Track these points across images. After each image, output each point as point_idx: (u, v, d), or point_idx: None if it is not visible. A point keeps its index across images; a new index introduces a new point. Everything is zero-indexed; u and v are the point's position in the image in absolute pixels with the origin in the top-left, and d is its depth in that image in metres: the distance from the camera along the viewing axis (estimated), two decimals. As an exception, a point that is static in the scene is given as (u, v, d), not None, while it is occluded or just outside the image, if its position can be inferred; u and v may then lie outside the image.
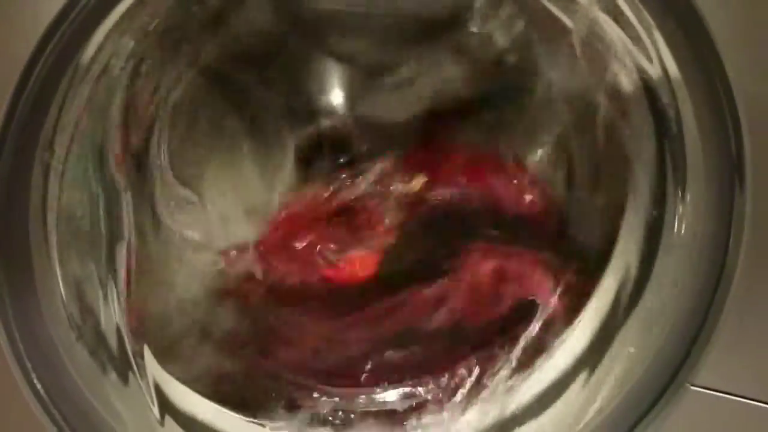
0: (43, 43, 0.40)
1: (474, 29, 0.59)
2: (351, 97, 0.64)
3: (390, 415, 0.63)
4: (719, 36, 0.44)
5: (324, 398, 0.63)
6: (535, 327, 0.62)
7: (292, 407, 0.63)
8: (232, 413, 0.60)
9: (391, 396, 0.64)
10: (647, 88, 0.53)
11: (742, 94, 0.45)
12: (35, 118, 0.43)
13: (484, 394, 0.61)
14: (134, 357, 0.56)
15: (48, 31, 0.40)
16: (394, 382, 0.64)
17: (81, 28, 0.41)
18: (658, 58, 0.50)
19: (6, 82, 0.39)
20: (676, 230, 0.54)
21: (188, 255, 0.63)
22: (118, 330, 0.56)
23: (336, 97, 0.64)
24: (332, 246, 0.64)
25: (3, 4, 0.38)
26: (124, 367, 0.55)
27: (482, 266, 0.64)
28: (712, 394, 0.50)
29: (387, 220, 0.64)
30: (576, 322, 0.60)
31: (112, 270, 0.56)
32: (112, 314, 0.56)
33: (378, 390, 0.64)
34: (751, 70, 0.44)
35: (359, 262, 0.65)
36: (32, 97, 0.41)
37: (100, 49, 0.46)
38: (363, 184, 0.63)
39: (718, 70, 0.45)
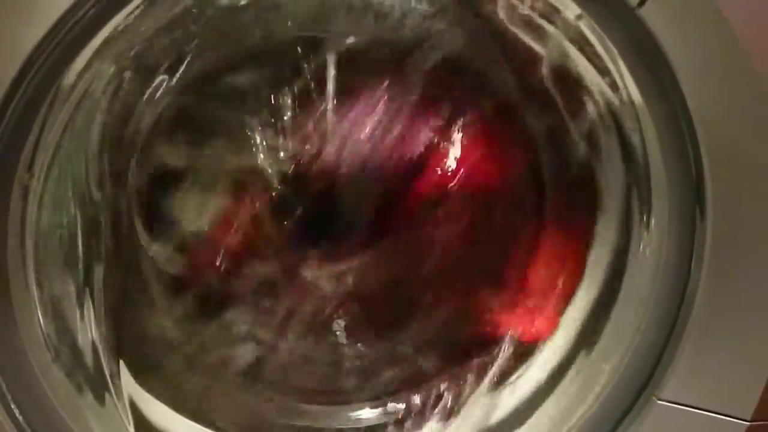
0: (26, 68, 0.40)
1: (447, 54, 0.60)
2: (327, 118, 0.65)
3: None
4: (678, 65, 0.46)
5: (301, 416, 0.64)
6: (507, 349, 0.64)
7: (270, 424, 0.63)
8: (207, 430, 0.61)
9: (367, 413, 0.65)
10: (614, 114, 0.55)
11: (702, 122, 0.47)
12: (16, 141, 0.43)
13: (463, 409, 0.63)
14: (110, 377, 0.56)
15: (31, 55, 0.40)
16: (371, 399, 0.65)
17: (63, 54, 0.42)
18: (623, 85, 0.52)
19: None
20: (641, 254, 0.56)
21: (165, 275, 0.63)
22: (95, 349, 0.56)
23: (312, 116, 0.64)
24: None
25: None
26: (100, 387, 0.55)
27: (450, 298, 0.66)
28: (677, 408, 0.52)
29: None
30: (550, 340, 0.62)
31: (89, 289, 0.57)
32: (89, 334, 0.56)
33: (355, 407, 0.65)
34: (709, 98, 0.47)
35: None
36: (14, 120, 0.42)
37: (81, 73, 0.46)
38: None
39: (678, 97, 0.47)
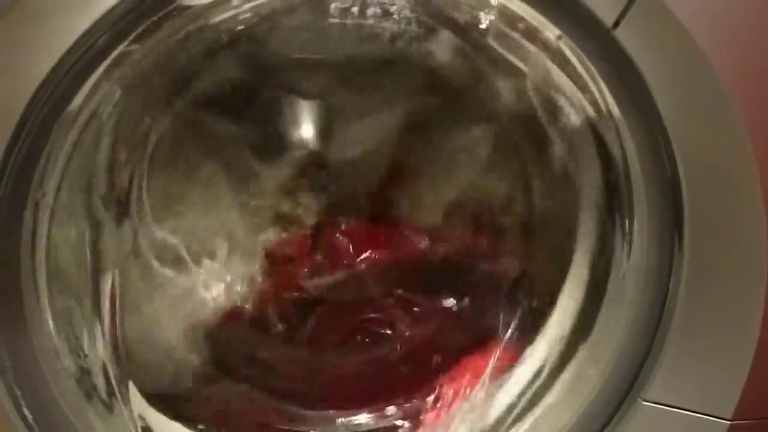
0: (39, 93, 0.43)
1: (435, 72, 0.63)
2: (319, 131, 0.67)
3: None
4: (652, 82, 0.49)
5: (303, 422, 0.66)
6: (500, 353, 0.66)
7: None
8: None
9: (364, 419, 0.67)
10: (593, 127, 0.58)
11: (677, 136, 0.49)
12: (30, 161, 0.46)
13: (458, 413, 0.64)
14: (118, 387, 0.58)
15: (43, 82, 0.43)
16: (367, 405, 0.67)
17: (73, 80, 0.45)
18: (602, 100, 0.55)
19: (4, 128, 0.42)
20: (624, 263, 0.58)
21: (170, 289, 0.65)
22: (103, 360, 0.57)
23: (306, 132, 0.68)
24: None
25: (3, 59, 0.42)
26: (109, 396, 0.57)
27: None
28: (662, 408, 0.54)
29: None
30: (536, 341, 0.64)
31: (97, 303, 0.58)
32: (98, 345, 0.57)
33: (353, 413, 0.67)
34: (682, 114, 0.49)
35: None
36: (28, 142, 0.44)
37: (89, 96, 0.49)
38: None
39: (654, 112, 0.50)
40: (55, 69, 0.42)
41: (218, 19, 0.54)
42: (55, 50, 0.42)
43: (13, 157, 0.44)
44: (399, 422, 0.66)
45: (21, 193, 0.47)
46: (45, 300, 0.52)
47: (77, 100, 0.48)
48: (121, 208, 0.62)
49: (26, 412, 0.48)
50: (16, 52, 0.41)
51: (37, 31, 0.41)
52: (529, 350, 0.64)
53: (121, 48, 0.47)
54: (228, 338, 0.67)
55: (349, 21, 0.58)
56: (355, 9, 0.57)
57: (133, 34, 0.47)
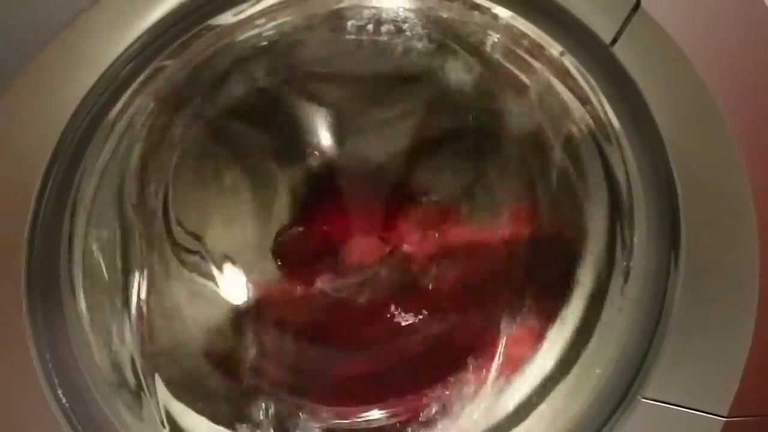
0: (81, 107, 0.47)
1: (445, 85, 0.66)
2: (336, 140, 0.70)
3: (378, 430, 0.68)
4: (649, 96, 0.52)
5: (314, 418, 0.68)
6: (504, 354, 0.68)
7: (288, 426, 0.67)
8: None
9: (376, 414, 0.69)
10: (595, 137, 0.60)
11: (673, 148, 0.52)
12: (71, 169, 0.49)
13: (464, 411, 0.67)
14: (146, 379, 0.61)
15: (85, 96, 0.46)
16: (378, 401, 0.69)
17: (112, 93, 0.49)
18: (603, 113, 0.57)
19: (50, 138, 0.46)
20: (624, 269, 0.60)
21: (193, 290, 0.69)
22: (132, 357, 0.61)
23: (323, 140, 0.70)
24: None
25: (48, 76, 0.45)
26: (137, 387, 0.60)
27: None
28: (660, 405, 0.56)
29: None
30: (540, 345, 0.67)
31: (126, 300, 0.62)
32: (126, 340, 0.61)
33: (364, 409, 0.69)
34: (678, 127, 0.52)
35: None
36: (70, 152, 0.48)
37: (125, 108, 0.52)
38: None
39: (652, 125, 0.52)
40: (96, 84, 0.46)
41: (244, 36, 0.57)
42: (96, 67, 0.46)
43: (57, 165, 0.48)
44: (409, 418, 0.69)
45: (62, 198, 0.50)
46: (80, 296, 0.55)
47: (114, 112, 0.51)
48: (149, 212, 0.65)
49: (62, 397, 0.51)
50: (63, 70, 0.45)
51: (82, 50, 0.44)
52: (532, 353, 0.67)
53: (155, 63, 0.51)
54: (246, 336, 0.70)
55: (364, 37, 0.61)
56: (370, 26, 0.60)
57: (167, 51, 0.50)
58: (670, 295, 0.56)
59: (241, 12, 0.54)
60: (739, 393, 0.54)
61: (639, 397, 0.56)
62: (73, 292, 0.54)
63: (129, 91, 0.51)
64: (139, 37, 0.46)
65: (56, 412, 0.51)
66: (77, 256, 0.55)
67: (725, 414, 0.54)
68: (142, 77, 0.51)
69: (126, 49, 0.46)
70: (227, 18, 0.53)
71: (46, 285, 0.51)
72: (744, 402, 0.54)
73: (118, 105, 0.51)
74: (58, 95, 0.45)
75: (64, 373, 0.52)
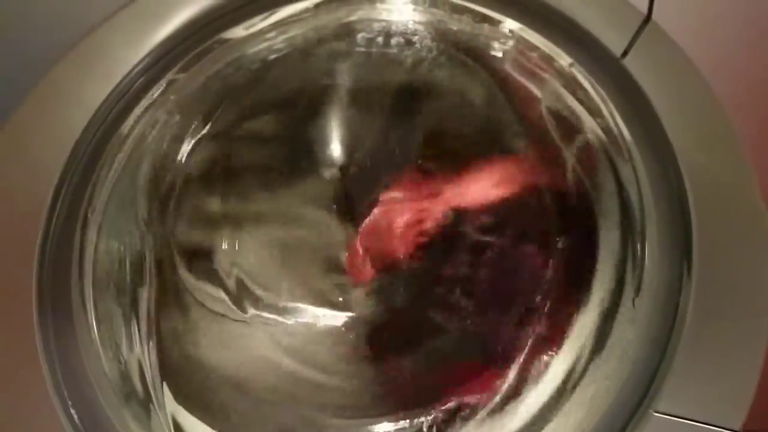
0: (94, 119, 0.47)
1: (456, 96, 0.66)
2: (346, 150, 0.70)
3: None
4: (659, 108, 0.52)
5: (326, 429, 0.68)
6: (516, 367, 0.68)
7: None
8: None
9: (386, 427, 0.69)
10: (606, 149, 0.60)
11: (684, 158, 0.52)
12: (83, 180, 0.50)
13: (475, 424, 0.67)
14: (155, 395, 0.61)
15: (98, 109, 0.47)
16: (387, 414, 0.69)
17: (124, 107, 0.49)
18: (614, 124, 0.57)
19: (63, 151, 0.47)
20: (636, 281, 0.60)
21: (202, 301, 0.68)
22: (140, 367, 0.61)
23: (333, 150, 0.71)
24: None
25: (62, 89, 0.46)
26: (145, 399, 0.60)
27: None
28: (673, 420, 0.55)
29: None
30: (556, 356, 0.66)
31: (136, 312, 0.62)
32: (135, 351, 0.61)
33: (374, 421, 0.69)
34: (688, 138, 0.52)
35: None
36: (83, 164, 0.48)
37: (137, 121, 0.53)
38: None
39: (662, 136, 0.53)
40: (109, 97, 0.47)
41: (254, 49, 0.58)
42: (109, 81, 0.46)
43: (69, 177, 0.48)
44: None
45: (74, 210, 0.51)
46: (90, 308, 0.55)
47: (127, 125, 0.52)
48: (159, 225, 0.65)
49: (72, 410, 0.52)
50: (76, 83, 0.45)
51: (95, 64, 0.45)
52: (544, 366, 0.66)
53: (167, 77, 0.51)
54: (259, 349, 0.70)
55: (374, 50, 0.62)
56: (380, 39, 0.61)
57: (179, 65, 0.51)
58: (683, 308, 0.55)
59: (252, 26, 0.54)
60: (753, 407, 0.54)
61: (651, 411, 0.56)
62: (83, 303, 0.54)
63: (141, 105, 0.51)
64: (152, 51, 0.46)
65: (66, 424, 0.51)
66: (88, 268, 0.55)
67: (739, 428, 0.54)
68: (154, 90, 0.52)
69: (138, 63, 0.46)
70: (238, 32, 0.54)
71: (56, 296, 0.51)
72: (758, 416, 0.54)
73: (131, 118, 0.52)
74: (71, 108, 0.45)
75: (74, 385, 0.52)
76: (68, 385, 0.52)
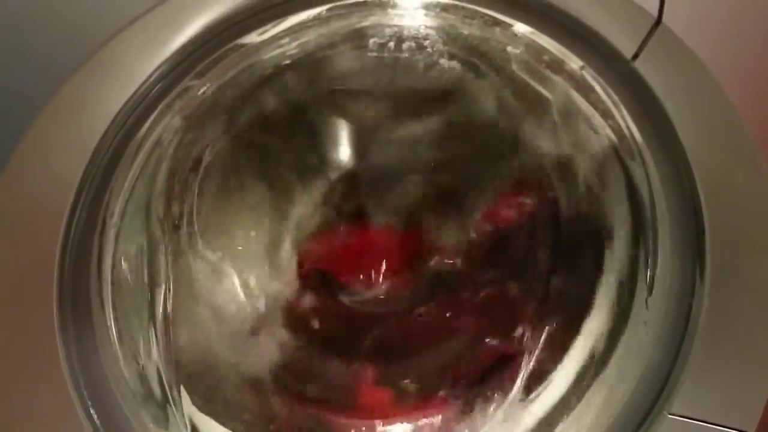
0: (112, 125, 0.48)
1: (467, 100, 0.67)
2: (357, 154, 0.71)
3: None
4: (671, 110, 0.52)
5: (337, 428, 0.69)
6: (529, 366, 0.68)
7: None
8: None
9: (398, 429, 0.69)
10: (617, 151, 0.61)
11: (696, 161, 0.52)
12: (101, 186, 0.51)
13: (487, 425, 0.67)
14: (171, 392, 0.61)
15: (116, 115, 0.48)
16: (393, 416, 0.69)
17: (142, 113, 0.50)
18: (626, 126, 0.58)
19: (82, 158, 0.48)
20: (647, 284, 0.60)
21: (216, 303, 0.69)
22: (158, 369, 0.61)
23: (344, 154, 0.71)
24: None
25: (80, 96, 0.47)
26: (163, 401, 0.61)
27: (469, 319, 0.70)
28: (686, 422, 0.55)
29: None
30: (567, 357, 0.66)
31: (152, 313, 0.63)
32: (152, 353, 0.61)
33: (386, 422, 0.70)
34: (701, 140, 0.52)
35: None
36: (101, 170, 0.49)
37: (153, 126, 0.54)
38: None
39: (674, 138, 0.53)
40: (126, 104, 0.48)
41: (269, 55, 0.59)
42: (127, 88, 0.47)
43: (88, 183, 0.49)
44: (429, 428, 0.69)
45: (92, 215, 0.52)
46: (109, 311, 0.56)
47: (143, 131, 0.53)
48: (174, 227, 0.66)
49: (93, 413, 0.53)
50: (94, 90, 0.46)
51: (113, 72, 0.46)
52: (555, 367, 0.67)
53: (183, 83, 0.52)
54: (269, 349, 0.71)
55: (386, 54, 0.62)
56: (391, 44, 0.61)
57: (195, 71, 0.52)
58: (696, 310, 0.55)
59: (265, 32, 0.55)
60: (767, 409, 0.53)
61: (665, 413, 0.56)
62: (102, 307, 0.56)
63: (157, 110, 0.52)
64: (168, 58, 0.47)
65: (86, 425, 0.52)
66: (106, 272, 0.56)
67: (753, 431, 0.54)
68: (170, 97, 0.53)
69: (155, 70, 0.47)
70: (252, 38, 0.55)
71: (77, 300, 0.52)
72: (772, 418, 0.54)
73: (147, 124, 0.53)
74: (90, 115, 0.47)
75: (94, 387, 0.53)
76: (88, 387, 0.53)
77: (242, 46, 0.54)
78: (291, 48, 0.59)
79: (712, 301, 0.54)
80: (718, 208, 0.53)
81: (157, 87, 0.49)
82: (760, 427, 0.54)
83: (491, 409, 0.67)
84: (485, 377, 0.68)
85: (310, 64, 0.63)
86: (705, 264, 0.54)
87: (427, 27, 0.62)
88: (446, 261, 0.71)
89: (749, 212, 0.52)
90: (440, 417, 0.69)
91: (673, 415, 0.55)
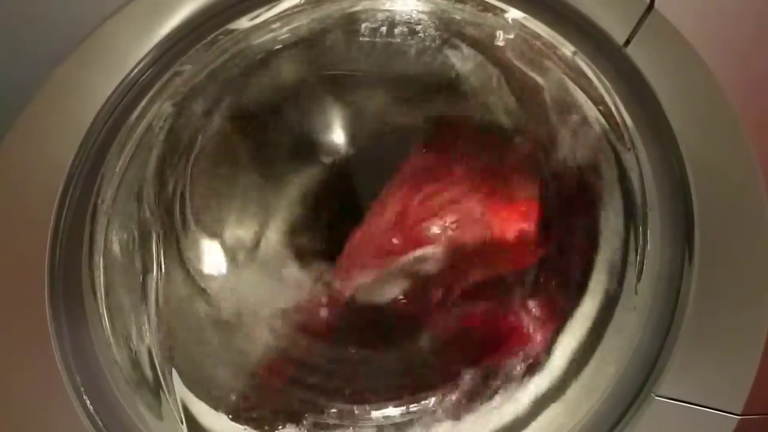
0: (102, 111, 0.48)
1: (459, 85, 0.67)
2: (353, 138, 0.71)
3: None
4: (662, 96, 0.52)
5: (332, 415, 0.69)
6: (518, 352, 0.69)
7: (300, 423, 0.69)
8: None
9: (391, 411, 0.70)
10: (608, 136, 0.61)
11: (685, 145, 0.52)
12: (92, 172, 0.51)
13: (476, 409, 0.68)
14: (164, 380, 0.62)
15: (106, 101, 0.47)
16: (393, 399, 0.70)
17: (133, 98, 0.49)
18: (617, 112, 0.58)
19: (72, 143, 0.47)
20: (638, 268, 0.61)
21: (209, 289, 0.70)
22: (150, 354, 0.62)
23: (336, 138, 0.71)
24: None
25: (71, 82, 0.47)
26: (155, 386, 0.61)
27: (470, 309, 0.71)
28: (674, 403, 0.56)
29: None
30: (557, 341, 0.67)
31: (144, 299, 0.63)
32: (145, 339, 0.62)
33: (379, 406, 0.70)
34: (690, 125, 0.52)
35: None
36: (92, 156, 0.49)
37: (144, 112, 0.53)
38: None
39: (664, 123, 0.53)
40: (117, 89, 0.47)
41: (259, 40, 0.58)
42: (117, 73, 0.47)
43: (79, 168, 0.49)
44: (423, 414, 0.69)
45: (83, 201, 0.51)
46: (101, 297, 0.56)
47: (134, 116, 0.52)
48: (166, 212, 0.66)
49: (86, 399, 0.52)
50: (85, 76, 0.46)
51: (103, 57, 0.46)
52: (546, 351, 0.67)
53: (174, 68, 0.52)
54: (263, 335, 0.71)
55: (378, 39, 0.62)
56: (383, 29, 0.61)
57: (185, 56, 0.51)
58: (684, 294, 0.56)
59: (256, 16, 0.55)
60: (753, 391, 0.54)
61: (653, 394, 0.57)
62: (94, 293, 0.55)
63: (148, 96, 0.52)
64: (159, 44, 0.47)
65: (80, 411, 0.52)
66: (97, 258, 0.56)
67: (739, 412, 0.55)
68: (160, 82, 0.52)
69: (146, 55, 0.47)
70: (243, 23, 0.54)
71: (68, 286, 0.52)
72: (758, 400, 0.55)
73: (138, 109, 0.52)
74: (81, 101, 0.46)
75: (87, 373, 0.53)
76: (81, 373, 0.52)
77: (232, 31, 0.54)
78: (282, 33, 0.59)
79: (700, 285, 0.54)
80: (707, 192, 0.53)
81: (147, 72, 0.49)
82: (746, 408, 0.55)
83: (479, 398, 0.67)
84: (475, 364, 0.69)
85: (302, 49, 0.63)
86: (693, 248, 0.54)
87: (419, 12, 0.61)
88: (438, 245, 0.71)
89: (738, 196, 0.52)
90: (433, 399, 0.70)
91: (661, 396, 0.56)
